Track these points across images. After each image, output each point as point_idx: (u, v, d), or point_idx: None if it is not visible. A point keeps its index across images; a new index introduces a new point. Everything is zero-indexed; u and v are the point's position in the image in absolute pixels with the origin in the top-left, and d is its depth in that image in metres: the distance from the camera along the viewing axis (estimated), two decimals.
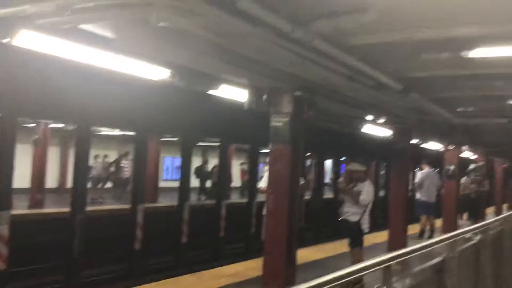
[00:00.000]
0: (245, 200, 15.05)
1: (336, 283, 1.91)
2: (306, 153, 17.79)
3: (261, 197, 11.46)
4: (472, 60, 5.57)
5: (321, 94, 7.01)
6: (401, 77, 6.68)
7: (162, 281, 7.08)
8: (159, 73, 5.68)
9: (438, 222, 12.78)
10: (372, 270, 2.22)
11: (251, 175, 15.00)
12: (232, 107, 7.92)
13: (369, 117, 10.13)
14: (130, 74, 5.72)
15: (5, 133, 8.04)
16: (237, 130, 12.45)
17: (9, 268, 7.92)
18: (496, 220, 5.72)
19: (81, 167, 9.37)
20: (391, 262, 2.30)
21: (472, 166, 14.33)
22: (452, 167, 13.40)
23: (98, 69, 5.52)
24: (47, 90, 7.85)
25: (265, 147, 8.75)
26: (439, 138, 13.47)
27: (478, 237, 4.56)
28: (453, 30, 4.81)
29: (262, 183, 8.40)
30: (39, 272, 10.09)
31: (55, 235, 10.85)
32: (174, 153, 22.35)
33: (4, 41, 4.08)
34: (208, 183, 21.44)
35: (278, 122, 6.47)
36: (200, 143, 21.23)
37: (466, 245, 4.17)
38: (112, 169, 18.88)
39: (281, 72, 5.91)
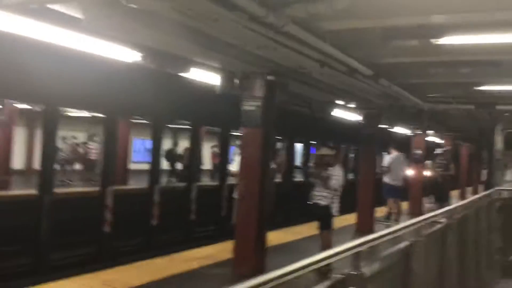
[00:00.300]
0: (216, 183, 15.06)
1: (306, 270, 1.95)
2: (277, 137, 17.87)
3: (232, 180, 11.49)
4: (440, 47, 5.68)
5: (293, 78, 7.04)
6: (372, 63, 6.76)
7: (133, 264, 7.06)
8: (130, 55, 5.61)
9: (405, 205, 13.08)
10: (341, 256, 2.27)
11: (222, 158, 14.99)
12: (204, 90, 7.88)
13: (340, 102, 10.24)
14: (100, 55, 5.63)
15: None
16: (209, 113, 12.39)
17: None
18: (460, 205, 5.90)
19: (49, 148, 9.20)
20: (360, 248, 2.36)
21: (438, 151, 14.64)
22: (419, 152, 13.68)
23: (67, 50, 5.40)
24: (13, 70, 7.64)
25: (237, 130, 8.75)
26: (408, 123, 13.73)
27: (443, 221, 4.70)
28: (422, 18, 4.89)
29: (234, 167, 8.42)
30: (5, 255, 9.92)
31: (22, 218, 10.65)
32: (144, 135, 22.14)
33: None
34: (179, 166, 21.36)
35: (250, 106, 6.48)
36: (170, 126, 21.09)
37: (432, 229, 4.29)
38: (80, 151, 18.60)
39: (253, 56, 5.90)
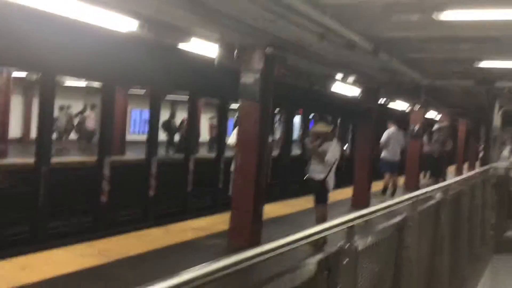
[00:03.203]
0: (213, 155, 15.10)
1: (301, 242, 1.97)
2: (275, 110, 17.84)
3: (229, 152, 11.51)
4: (442, 22, 5.62)
5: (292, 51, 6.98)
6: (372, 37, 6.69)
7: (129, 233, 7.12)
8: (127, 24, 5.54)
9: (401, 180, 13.16)
10: (336, 230, 2.29)
11: (220, 130, 14.98)
12: (203, 62, 7.81)
13: (339, 76, 10.18)
14: (98, 24, 5.56)
15: None
16: (207, 84, 12.32)
17: None
18: (456, 182, 5.93)
19: (46, 117, 9.16)
20: (354, 222, 2.38)
21: (436, 126, 14.65)
22: (417, 127, 13.70)
23: (65, 18, 5.33)
24: (10, 36, 7.55)
25: (235, 102, 8.73)
26: (406, 98, 13.70)
27: (438, 197, 4.73)
28: None
29: (231, 139, 8.42)
30: (3, 223, 9.99)
31: (19, 187, 10.71)
32: (142, 106, 22.08)
33: None
34: (176, 137, 21.35)
35: (248, 79, 6.44)
36: (168, 97, 20.99)
37: (427, 204, 4.33)
38: (77, 120, 18.55)
39: (253, 28, 5.84)
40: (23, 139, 19.75)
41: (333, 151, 6.96)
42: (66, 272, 5.09)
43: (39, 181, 8.74)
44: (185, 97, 16.52)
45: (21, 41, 7.61)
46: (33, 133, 14.02)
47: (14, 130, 17.83)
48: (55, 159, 10.61)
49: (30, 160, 9.84)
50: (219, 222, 7.96)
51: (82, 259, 5.57)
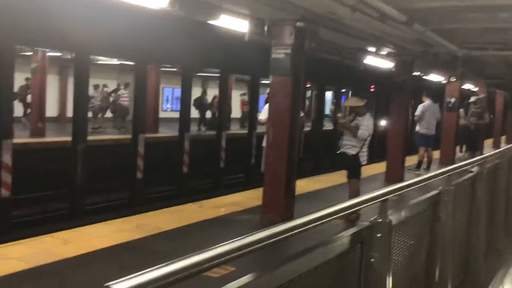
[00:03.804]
0: (245, 131, 15.15)
1: (334, 216, 1.97)
2: (306, 84, 17.69)
3: (261, 128, 11.53)
4: None
5: (324, 25, 6.88)
6: (406, 8, 6.53)
7: (164, 209, 7.27)
8: (158, 1, 5.56)
9: (436, 154, 12.95)
10: (369, 204, 2.28)
11: (252, 106, 14.99)
12: (233, 38, 7.80)
13: (372, 49, 10.00)
14: (130, 2, 5.61)
15: (3, 61, 7.96)
16: (238, 61, 12.30)
17: (13, 195, 8.11)
18: (493, 154, 5.79)
19: (81, 96, 9.35)
20: (388, 196, 2.37)
21: (472, 99, 14.28)
22: (453, 100, 13.39)
23: None
24: (45, 17, 7.69)
25: (266, 78, 8.70)
26: (441, 70, 13.36)
27: (475, 170, 4.64)
28: None
29: (262, 115, 8.42)
30: (43, 199, 10.34)
31: (57, 164, 11.02)
32: (174, 83, 22.23)
33: None
34: (208, 114, 21.48)
35: (279, 54, 6.39)
36: (200, 74, 21.07)
37: (463, 178, 4.26)
38: (111, 98, 18.84)
39: (283, 1, 5.77)
40: (60, 118, 20.23)
41: (366, 125, 6.88)
42: (106, 246, 5.26)
43: (76, 159, 8.97)
44: (216, 74, 16.56)
45: (55, 22, 7.74)
46: (69, 112, 14.33)
47: (51, 109, 18.27)
48: (91, 137, 10.85)
49: (67, 138, 10.11)
50: (251, 197, 8.03)
51: (121, 234, 5.73)
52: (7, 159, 7.83)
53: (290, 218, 1.85)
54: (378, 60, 10.56)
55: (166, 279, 1.21)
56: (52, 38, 8.69)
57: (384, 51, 10.16)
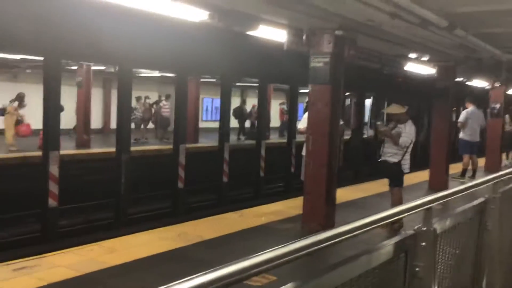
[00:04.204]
0: (284, 140, 15.15)
1: (377, 224, 1.96)
2: (345, 92, 17.55)
3: (300, 137, 11.51)
4: None
5: (363, 32, 6.84)
6: (447, 13, 6.41)
7: (206, 218, 7.35)
8: (198, 14, 5.67)
9: (481, 161, 12.61)
10: (413, 212, 2.25)
11: (291, 115, 14.99)
12: (271, 48, 7.85)
13: (411, 55, 9.87)
14: (170, 15, 5.74)
15: (50, 75, 8.25)
16: (276, 70, 12.35)
17: (60, 205, 8.36)
18: None
19: (124, 108, 9.58)
20: (432, 204, 2.33)
21: None
22: (497, 105, 13.03)
23: (139, 11, 5.54)
24: (89, 32, 7.95)
25: (305, 87, 8.70)
26: (485, 76, 13.03)
27: None
28: None
29: (301, 124, 8.41)
30: (89, 209, 10.61)
31: (101, 174, 11.30)
32: (213, 94, 22.49)
33: None
34: (247, 124, 21.61)
35: (318, 62, 6.40)
36: (238, 84, 21.24)
37: (510, 185, 4.13)
38: (153, 110, 19.22)
39: (321, 10, 5.77)
40: (104, 130, 20.78)
41: (407, 133, 6.79)
42: (150, 254, 5.36)
43: (120, 169, 9.18)
44: (255, 84, 16.66)
45: (100, 37, 7.99)
46: (113, 124, 14.70)
47: (95, 121, 18.79)
48: (134, 148, 11.09)
49: (111, 149, 10.36)
50: (291, 206, 8.02)
51: (163, 242, 5.83)
52: (54, 170, 8.09)
53: (331, 227, 1.84)
54: (419, 66, 10.40)
55: (207, 287, 1.23)
56: (97, 52, 8.96)
57: (424, 57, 10.01)
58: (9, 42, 7.71)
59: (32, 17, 7.28)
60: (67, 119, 17.12)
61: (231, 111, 15.02)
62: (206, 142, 16.56)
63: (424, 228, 2.20)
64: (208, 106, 26.05)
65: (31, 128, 14.90)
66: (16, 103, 13.55)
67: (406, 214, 2.22)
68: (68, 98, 16.98)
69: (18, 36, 7.32)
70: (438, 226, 2.37)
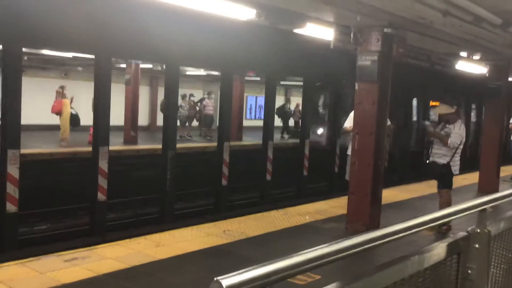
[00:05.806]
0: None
1: (425, 226, 1.92)
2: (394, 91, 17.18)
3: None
4: None
5: (412, 30, 6.70)
6: (501, 10, 6.20)
7: (249, 215, 7.38)
8: (245, 13, 5.70)
9: None
10: (464, 214, 2.19)
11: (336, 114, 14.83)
12: (316, 46, 7.80)
13: (462, 54, 9.60)
14: (217, 14, 5.79)
15: (101, 72, 8.49)
16: (321, 69, 12.26)
17: (108, 199, 8.59)
18: None
19: (171, 105, 9.74)
20: (486, 206, 2.26)
21: None
22: None
23: (186, 9, 5.62)
24: (138, 31, 8.13)
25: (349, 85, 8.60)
26: None
27: None
28: None
29: (347, 123, 8.32)
30: (136, 204, 10.87)
31: (148, 170, 11.55)
32: (258, 92, 22.56)
33: None
34: (291, 122, 21.56)
35: (365, 61, 6.31)
36: (282, 83, 21.21)
37: None
38: (197, 108, 19.45)
39: (370, 7, 5.69)
40: (150, 127, 21.18)
41: (457, 133, 6.61)
42: (195, 250, 5.44)
43: (166, 166, 9.35)
44: (299, 82, 16.59)
45: (148, 36, 8.16)
46: (159, 121, 14.96)
47: (142, 118, 19.18)
48: (179, 145, 11.27)
49: (158, 146, 10.55)
50: (335, 206, 7.96)
51: (208, 238, 5.90)
52: (104, 165, 8.31)
53: (376, 227, 1.81)
54: (470, 65, 10.10)
55: (256, 282, 1.23)
56: (146, 51, 9.15)
57: (476, 56, 9.71)
58: (63, 41, 7.98)
59: (84, 17, 7.52)
60: (115, 116, 17.56)
61: (275, 110, 14.98)
62: (250, 140, 16.63)
63: (478, 230, 2.13)
64: (252, 104, 26.14)
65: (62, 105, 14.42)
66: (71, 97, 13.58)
67: (459, 215, 2.17)
68: (118, 95, 17.43)
69: (71, 35, 7.57)
70: (492, 228, 2.30)
